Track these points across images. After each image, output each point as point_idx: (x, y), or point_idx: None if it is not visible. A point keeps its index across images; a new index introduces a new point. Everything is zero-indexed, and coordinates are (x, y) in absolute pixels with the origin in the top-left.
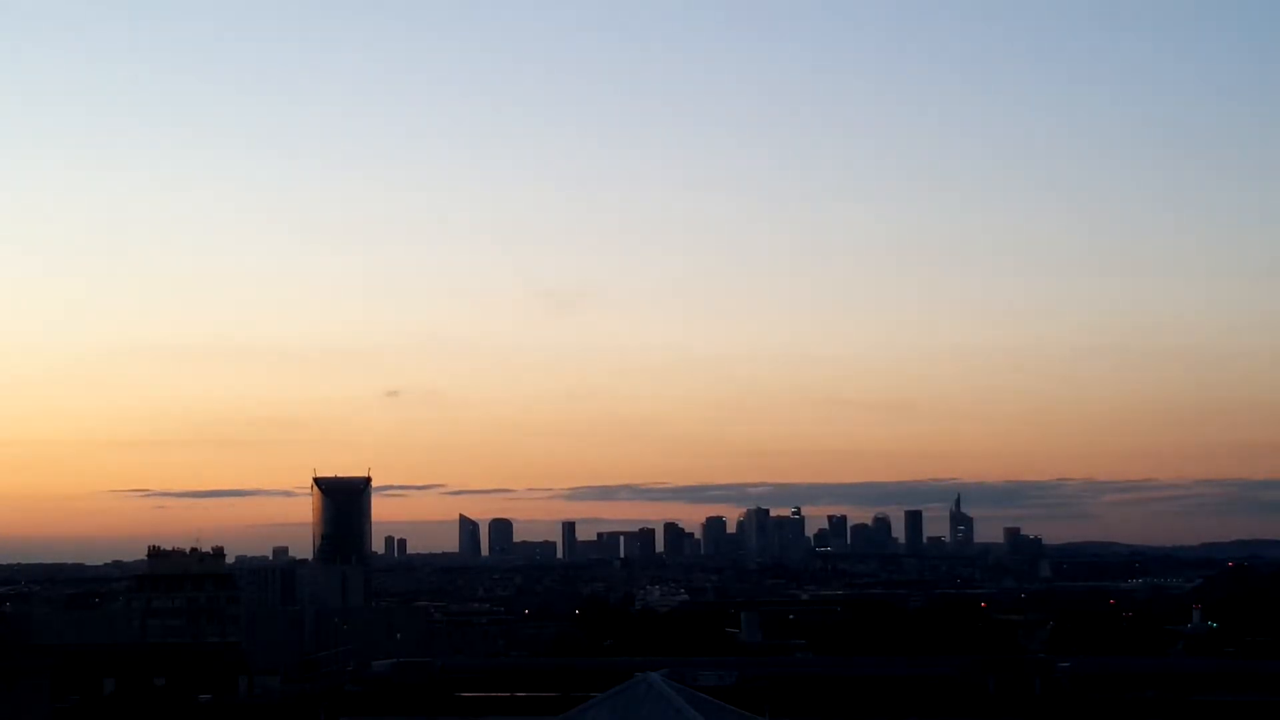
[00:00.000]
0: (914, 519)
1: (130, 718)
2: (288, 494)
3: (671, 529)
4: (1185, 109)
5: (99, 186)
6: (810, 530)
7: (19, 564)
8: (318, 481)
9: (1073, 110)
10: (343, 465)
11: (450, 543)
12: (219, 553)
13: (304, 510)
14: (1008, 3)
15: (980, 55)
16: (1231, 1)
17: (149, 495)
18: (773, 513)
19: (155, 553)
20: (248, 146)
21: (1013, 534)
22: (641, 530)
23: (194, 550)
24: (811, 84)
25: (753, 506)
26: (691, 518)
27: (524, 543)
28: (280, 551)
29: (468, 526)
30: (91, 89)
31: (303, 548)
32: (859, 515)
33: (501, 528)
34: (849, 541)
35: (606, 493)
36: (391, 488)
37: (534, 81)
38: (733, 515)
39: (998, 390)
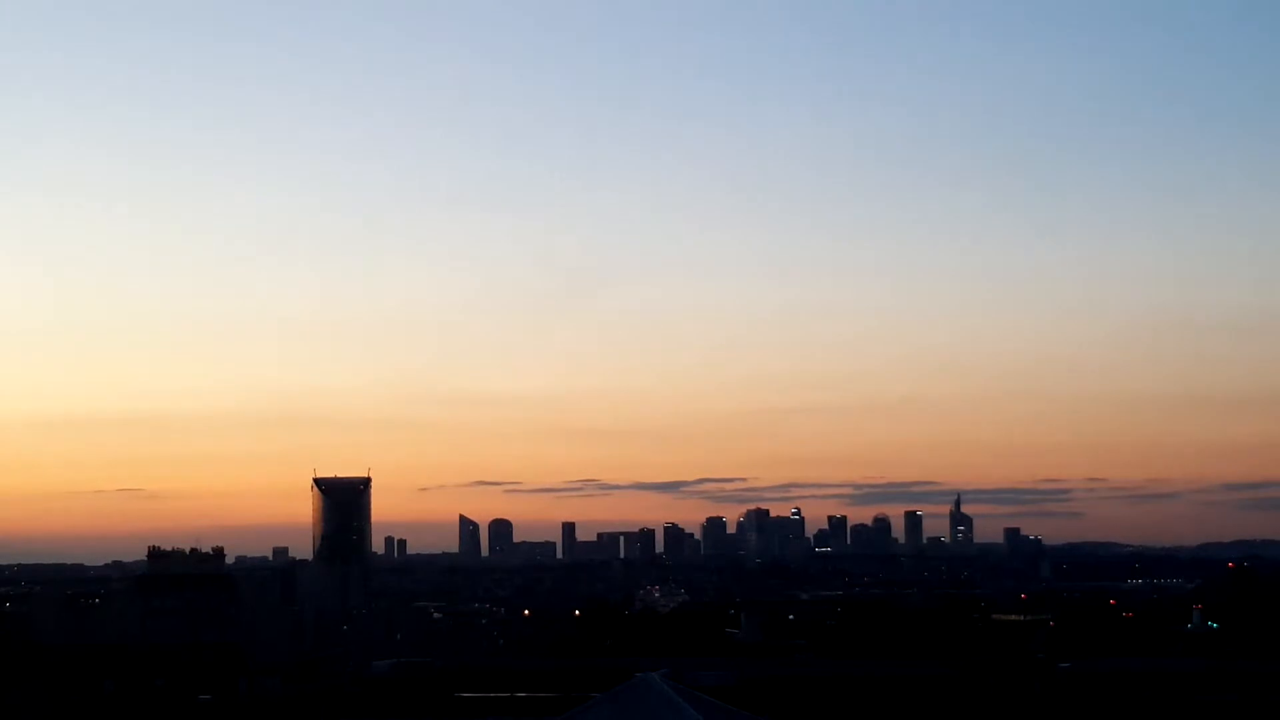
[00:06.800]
0: (914, 519)
1: (130, 718)
2: (287, 494)
3: (671, 529)
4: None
5: (91, 182)
6: (810, 530)
7: (19, 564)
8: (318, 481)
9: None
10: (343, 465)
11: (450, 543)
12: (219, 553)
13: (304, 510)
14: None
15: (966, 40)
16: None
17: (149, 495)
18: (773, 513)
19: (155, 553)
20: (232, 135)
21: (1013, 534)
22: (641, 530)
23: (194, 550)
24: (817, 72)
25: (753, 506)
26: (691, 518)
27: (524, 543)
28: (280, 551)
29: (468, 526)
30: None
31: (303, 548)
32: (859, 515)
33: (501, 528)
34: (849, 542)
35: (606, 492)
36: (391, 488)
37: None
38: (733, 515)
39: (998, 390)
